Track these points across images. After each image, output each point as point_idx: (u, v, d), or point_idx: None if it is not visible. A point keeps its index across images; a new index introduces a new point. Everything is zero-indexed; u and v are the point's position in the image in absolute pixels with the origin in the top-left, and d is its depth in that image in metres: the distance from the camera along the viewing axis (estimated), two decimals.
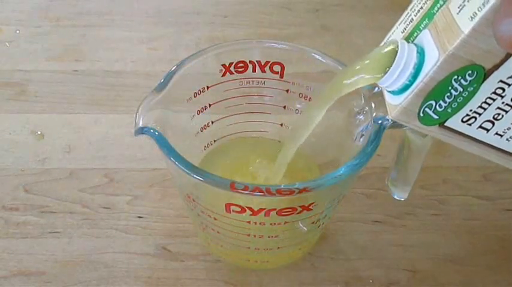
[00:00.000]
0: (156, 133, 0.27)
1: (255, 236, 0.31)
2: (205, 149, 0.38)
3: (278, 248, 0.33)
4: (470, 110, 0.22)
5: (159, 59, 0.53)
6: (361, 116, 0.30)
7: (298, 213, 0.28)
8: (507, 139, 0.24)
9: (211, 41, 0.55)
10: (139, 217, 0.40)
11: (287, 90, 0.35)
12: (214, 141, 0.38)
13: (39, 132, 0.46)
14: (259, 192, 0.25)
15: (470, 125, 0.23)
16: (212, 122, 0.36)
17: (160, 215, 0.40)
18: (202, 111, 0.34)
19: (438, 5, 0.21)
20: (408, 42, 0.23)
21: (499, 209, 0.41)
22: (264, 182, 0.35)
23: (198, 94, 0.33)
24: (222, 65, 0.33)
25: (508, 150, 0.24)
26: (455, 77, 0.21)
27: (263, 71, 0.34)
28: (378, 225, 0.40)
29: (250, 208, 0.27)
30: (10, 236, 0.39)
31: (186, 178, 0.28)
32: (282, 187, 0.25)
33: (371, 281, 0.37)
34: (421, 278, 0.37)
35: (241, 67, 0.33)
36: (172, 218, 0.40)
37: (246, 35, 0.56)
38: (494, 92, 0.21)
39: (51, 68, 0.52)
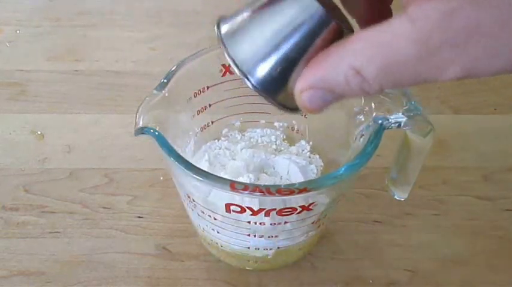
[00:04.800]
0: (156, 133, 0.27)
1: (255, 236, 0.31)
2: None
3: (278, 248, 0.33)
4: None
5: (159, 59, 0.53)
6: (361, 116, 0.30)
7: (298, 213, 0.28)
8: None
9: (212, 41, 0.55)
10: (139, 217, 0.40)
11: None
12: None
13: (39, 132, 0.46)
14: (259, 192, 0.25)
15: None
16: (212, 122, 0.36)
17: (160, 215, 0.40)
18: (202, 111, 0.34)
19: None
20: None
21: (499, 209, 0.41)
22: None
23: (198, 94, 0.33)
24: (222, 65, 0.33)
25: None
26: None
27: None
28: (378, 225, 0.40)
29: (250, 208, 0.27)
30: (10, 236, 0.39)
31: (186, 178, 0.28)
32: (282, 186, 0.25)
33: (371, 281, 0.37)
34: (421, 278, 0.37)
35: None
36: (172, 218, 0.40)
37: None
38: None
39: (51, 68, 0.52)
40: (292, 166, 0.34)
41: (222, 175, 0.33)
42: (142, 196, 0.41)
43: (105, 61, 0.53)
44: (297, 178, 0.34)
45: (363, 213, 0.41)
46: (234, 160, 0.36)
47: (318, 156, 0.37)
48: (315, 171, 0.36)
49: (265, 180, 0.34)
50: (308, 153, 0.37)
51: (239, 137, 0.38)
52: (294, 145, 0.38)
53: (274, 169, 0.35)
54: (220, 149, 0.37)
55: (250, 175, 0.33)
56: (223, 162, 0.36)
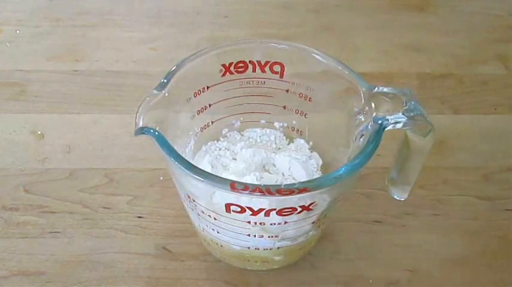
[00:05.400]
0: (156, 133, 0.27)
1: (255, 236, 0.31)
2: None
3: (278, 248, 0.33)
4: None
5: (159, 59, 0.53)
6: (361, 116, 0.30)
7: (298, 213, 0.28)
8: None
9: (212, 41, 0.55)
10: (139, 217, 0.40)
11: (287, 90, 0.35)
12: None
13: (39, 132, 0.46)
14: (259, 192, 0.25)
15: None
16: (212, 122, 0.36)
17: (160, 215, 0.40)
18: (202, 111, 0.34)
19: None
20: None
21: (499, 209, 0.41)
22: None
23: (198, 94, 0.33)
24: (222, 65, 0.33)
25: None
26: None
27: (263, 71, 0.34)
28: (378, 225, 0.40)
29: (250, 208, 0.27)
30: (10, 236, 0.39)
31: (186, 178, 0.28)
32: (282, 186, 0.25)
33: (371, 281, 0.37)
34: (421, 278, 0.37)
35: (241, 67, 0.33)
36: (172, 218, 0.40)
37: (246, 35, 0.56)
38: None
39: (51, 68, 0.52)
40: (293, 162, 0.35)
41: (225, 176, 0.33)
42: (142, 196, 0.41)
43: (105, 61, 0.53)
44: (299, 173, 0.34)
45: (363, 213, 0.41)
46: (235, 160, 0.36)
47: (316, 153, 0.37)
48: (315, 165, 0.36)
49: (269, 178, 0.34)
50: (307, 150, 0.38)
51: (238, 137, 0.38)
52: (293, 142, 0.38)
53: (275, 166, 0.36)
54: (220, 149, 0.37)
55: (256, 173, 0.33)
56: (225, 163, 0.36)
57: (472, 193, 0.42)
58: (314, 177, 0.35)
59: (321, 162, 0.37)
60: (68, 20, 0.58)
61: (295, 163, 0.35)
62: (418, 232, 0.40)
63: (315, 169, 0.36)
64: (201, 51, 0.32)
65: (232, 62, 0.33)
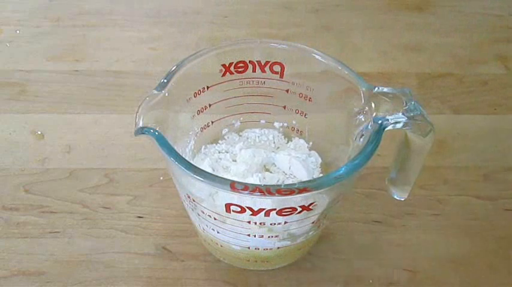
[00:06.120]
0: (156, 133, 0.27)
1: (255, 236, 0.31)
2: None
3: (278, 248, 0.33)
4: None
5: (159, 59, 0.53)
6: (361, 116, 0.30)
7: (298, 213, 0.28)
8: None
9: (212, 41, 0.55)
10: (139, 217, 0.40)
11: (287, 90, 0.35)
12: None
13: (39, 132, 0.46)
14: (259, 192, 0.25)
15: None
16: (212, 122, 0.36)
17: (160, 215, 0.40)
18: (202, 111, 0.34)
19: None
20: None
21: (499, 209, 0.41)
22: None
23: (198, 94, 0.33)
24: (222, 65, 0.33)
25: None
26: None
27: (263, 71, 0.34)
28: (378, 225, 0.40)
29: (250, 208, 0.27)
30: (10, 236, 0.39)
31: (186, 178, 0.28)
32: (282, 186, 0.25)
33: (371, 281, 0.37)
34: (421, 278, 0.37)
35: (241, 67, 0.33)
36: (172, 218, 0.40)
37: (246, 35, 0.56)
38: None
39: (51, 68, 0.52)
40: (293, 161, 0.35)
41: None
42: (142, 196, 0.41)
43: (105, 61, 0.53)
44: (300, 171, 0.34)
45: (363, 213, 0.41)
46: (235, 161, 0.36)
47: (315, 151, 0.37)
48: (315, 163, 0.36)
49: (271, 178, 0.34)
50: (306, 148, 0.38)
51: (237, 139, 0.38)
52: (292, 141, 0.38)
53: (275, 165, 0.36)
54: (219, 152, 0.37)
55: (259, 174, 0.34)
56: (225, 165, 0.36)
57: (472, 193, 0.42)
58: (314, 175, 0.35)
59: (320, 160, 0.37)
60: (68, 20, 0.58)
61: (295, 162, 0.35)
62: (418, 232, 0.40)
63: (315, 167, 0.36)
64: (201, 51, 0.32)
65: (232, 62, 0.33)
